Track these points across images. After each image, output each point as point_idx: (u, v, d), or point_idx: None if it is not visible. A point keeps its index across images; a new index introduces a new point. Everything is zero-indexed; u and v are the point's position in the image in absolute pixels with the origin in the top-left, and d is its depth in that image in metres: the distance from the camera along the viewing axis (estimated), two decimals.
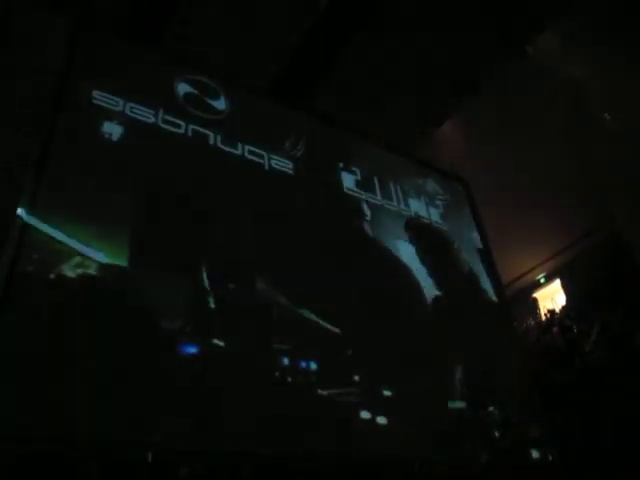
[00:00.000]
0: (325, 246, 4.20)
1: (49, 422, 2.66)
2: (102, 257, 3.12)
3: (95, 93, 3.81)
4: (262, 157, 4.37)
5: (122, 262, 3.18)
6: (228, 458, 3.01)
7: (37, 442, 2.66)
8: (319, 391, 3.43)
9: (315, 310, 3.68)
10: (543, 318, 8.30)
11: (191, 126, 4.11)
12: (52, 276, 2.99)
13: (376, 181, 5.05)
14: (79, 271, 3.04)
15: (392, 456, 3.58)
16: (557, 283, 8.72)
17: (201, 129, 4.17)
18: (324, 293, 3.82)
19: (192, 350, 3.11)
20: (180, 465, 3.58)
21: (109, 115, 3.78)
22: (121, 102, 3.89)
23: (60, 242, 3.05)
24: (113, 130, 3.72)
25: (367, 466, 3.59)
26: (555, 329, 7.56)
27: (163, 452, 2.90)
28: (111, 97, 3.87)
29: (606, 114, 7.53)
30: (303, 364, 3.43)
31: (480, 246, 5.70)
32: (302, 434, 3.24)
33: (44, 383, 2.76)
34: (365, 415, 3.56)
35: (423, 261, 4.87)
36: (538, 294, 8.96)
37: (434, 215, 5.41)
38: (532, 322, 8.35)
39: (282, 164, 4.46)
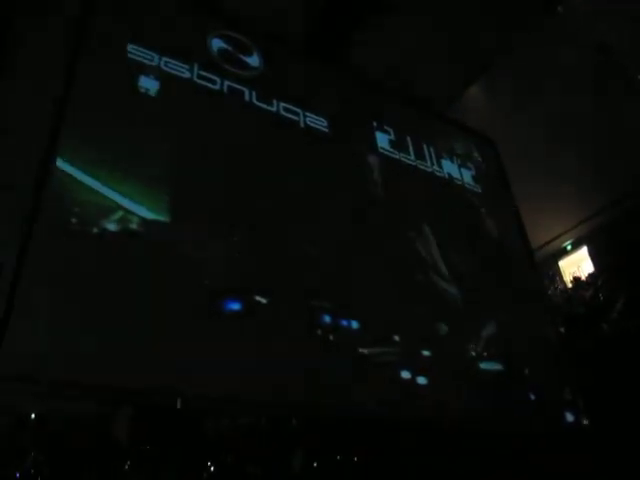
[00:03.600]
0: (360, 205, 4.15)
1: (94, 372, 2.69)
2: (144, 211, 3.09)
3: (130, 47, 3.74)
4: (297, 114, 4.29)
5: (164, 217, 3.15)
6: (274, 411, 3.02)
7: (83, 392, 2.69)
8: (360, 350, 3.42)
9: (353, 270, 3.65)
10: (569, 285, 8.22)
11: (226, 82, 4.03)
12: (95, 230, 2.97)
13: (409, 141, 4.96)
14: (121, 226, 3.01)
15: (430, 416, 3.59)
16: (584, 250, 8.60)
17: (236, 85, 4.09)
18: (362, 252, 3.79)
19: (235, 307, 3.09)
20: (225, 417, 3.61)
21: (144, 69, 3.71)
22: (156, 57, 3.81)
23: (102, 196, 3.02)
24: (149, 84, 3.65)
25: (405, 424, 3.61)
26: (580, 296, 7.50)
27: (212, 405, 2.94)
28: (146, 51, 3.79)
29: None
30: (344, 322, 3.41)
31: (510, 210, 5.62)
32: (342, 392, 3.24)
33: (90, 337, 2.78)
34: (405, 374, 3.55)
35: (454, 223, 4.81)
36: (564, 261, 8.85)
37: (466, 177, 5.32)
38: (558, 289, 8.27)
39: (317, 122, 4.38)
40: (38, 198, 2.88)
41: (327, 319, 3.35)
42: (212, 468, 7.61)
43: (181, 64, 3.90)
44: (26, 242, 2.77)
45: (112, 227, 2.98)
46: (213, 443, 6.88)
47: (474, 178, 5.36)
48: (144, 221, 3.07)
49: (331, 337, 3.32)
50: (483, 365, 4.09)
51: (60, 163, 2.98)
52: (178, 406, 2.92)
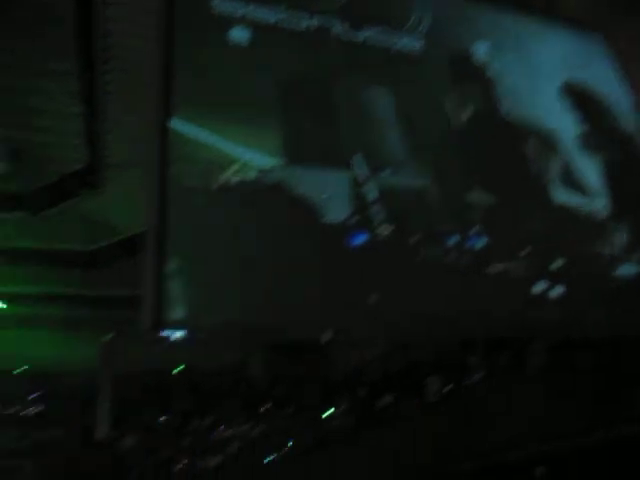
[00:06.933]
0: (467, 122, 4.00)
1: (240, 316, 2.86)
2: (260, 159, 3.15)
3: (215, 2, 3.74)
4: (388, 40, 4.14)
5: (280, 162, 3.20)
6: (415, 339, 3.07)
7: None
8: (488, 268, 3.37)
9: (475, 188, 3.56)
10: None
11: (314, 18, 3.95)
12: (216, 186, 3.08)
13: (510, 47, 4.66)
14: (240, 176, 3.10)
15: (561, 324, 3.51)
16: None
17: (323, 20, 3.99)
18: (480, 169, 3.68)
19: (360, 240, 3.13)
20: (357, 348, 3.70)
21: (233, 20, 3.71)
22: (242, 6, 3.79)
23: (219, 151, 3.11)
24: (239, 34, 3.66)
25: (537, 334, 3.56)
26: None
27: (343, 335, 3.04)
28: (231, 2, 3.78)
29: None
30: (470, 243, 3.36)
31: (627, 105, 5.20)
32: (474, 311, 3.23)
33: (229, 283, 2.94)
34: (536, 288, 3.47)
35: (575, 122, 4.52)
36: None
37: (577, 72, 4.93)
38: None
39: (408, 44, 4.21)
40: (162, 164, 3.02)
41: (452, 241, 3.31)
42: (347, 402, 7.91)
43: (267, 9, 3.86)
44: (162, 208, 2.95)
45: (233, 179, 3.07)
46: (349, 377, 7.13)
47: (585, 73, 4.97)
48: (262, 168, 3.13)
49: (462, 258, 3.29)
50: (619, 270, 3.91)
51: (175, 124, 3.08)
52: (324, 340, 3.04)
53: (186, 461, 9.25)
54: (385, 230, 3.19)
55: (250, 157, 3.13)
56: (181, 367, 9.80)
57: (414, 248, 3.24)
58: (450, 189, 3.60)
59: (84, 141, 8.72)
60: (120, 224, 9.71)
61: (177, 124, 3.08)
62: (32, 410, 10.20)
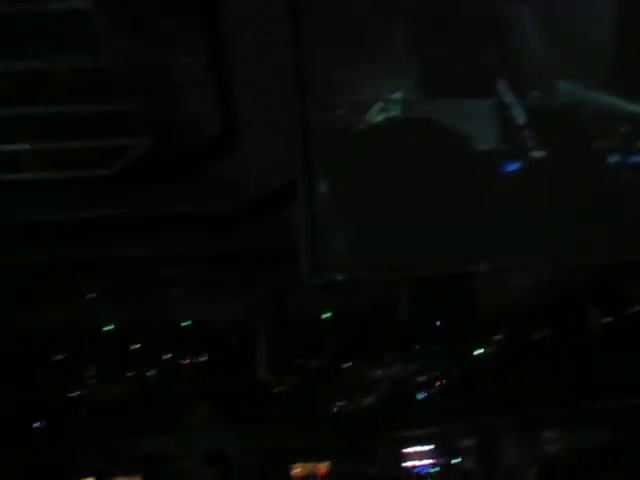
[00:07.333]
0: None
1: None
2: (402, 95, 3.14)
3: None
4: None
5: (422, 96, 3.17)
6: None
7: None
8: None
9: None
10: None
11: None
12: (361, 127, 3.12)
13: None
14: (385, 115, 3.12)
15: None
16: None
17: None
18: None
19: (513, 167, 3.04)
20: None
21: None
22: None
23: (359, 91, 3.14)
24: None
25: None
26: None
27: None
28: None
29: None
30: (634, 159, 3.13)
31: None
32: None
33: (381, 223, 3.01)
34: None
35: None
36: None
37: None
38: None
39: None
40: (303, 106, 3.11)
41: (614, 159, 3.11)
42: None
43: None
44: (306, 153, 3.06)
45: (378, 118, 3.10)
46: (500, 312, 7.03)
47: None
48: (405, 104, 3.12)
49: (624, 177, 3.09)
50: None
51: (315, 68, 3.14)
52: (482, 269, 3.05)
53: (341, 402, 9.76)
54: (538, 154, 3.07)
55: (392, 94, 3.12)
56: (330, 312, 10.19)
57: (570, 170, 3.10)
58: (605, 103, 3.35)
59: (218, 107, 9.18)
60: (259, 183, 10.17)
61: (317, 69, 3.14)
62: (198, 360, 11.24)
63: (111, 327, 12.69)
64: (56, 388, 11.35)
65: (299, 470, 10.61)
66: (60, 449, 10.01)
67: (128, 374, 11.46)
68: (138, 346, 12.33)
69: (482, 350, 8.71)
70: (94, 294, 10.31)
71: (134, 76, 7.78)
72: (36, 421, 10.61)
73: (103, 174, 9.84)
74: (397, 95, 3.12)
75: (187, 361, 11.08)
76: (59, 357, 12.51)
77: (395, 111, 3.12)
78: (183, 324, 11.21)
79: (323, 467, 10.68)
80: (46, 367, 12.17)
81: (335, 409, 9.68)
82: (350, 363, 9.59)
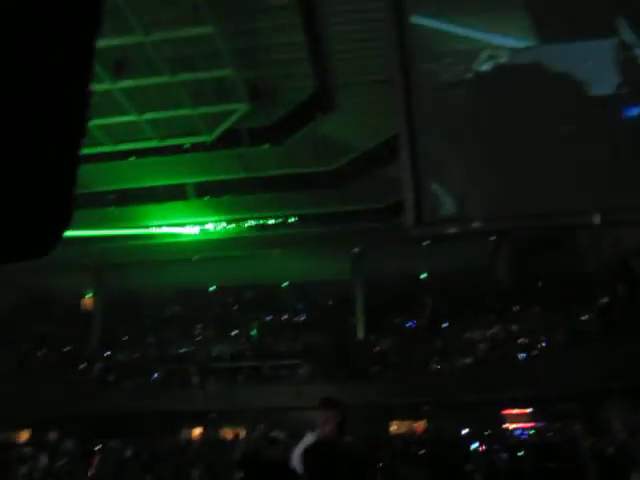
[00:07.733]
0: None
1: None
2: (511, 41, 3.01)
3: None
4: None
5: (532, 41, 3.02)
6: None
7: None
8: None
9: None
10: None
11: None
12: (469, 75, 3.03)
13: None
14: (492, 63, 3.00)
15: None
16: None
17: None
18: None
19: (635, 111, 2.85)
20: None
21: None
22: None
23: (467, 39, 3.04)
24: None
25: None
26: None
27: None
28: None
29: None
30: None
31: None
32: None
33: (487, 177, 2.94)
34: None
35: None
36: None
37: None
38: None
39: None
40: (402, 60, 3.06)
41: None
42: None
43: None
44: (410, 108, 3.02)
45: (484, 67, 2.99)
46: (605, 272, 6.71)
47: None
48: (513, 50, 3.00)
49: None
50: None
51: (415, 19, 3.08)
52: (595, 222, 2.92)
53: (437, 363, 9.73)
54: None
55: (500, 41, 3.00)
56: (427, 272, 10.13)
57: None
58: None
59: (313, 68, 9.21)
60: (356, 142, 10.17)
61: (418, 20, 3.07)
62: (299, 318, 11.54)
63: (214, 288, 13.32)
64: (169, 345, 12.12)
65: (397, 427, 10.78)
66: (173, 399, 10.77)
67: (232, 333, 12.07)
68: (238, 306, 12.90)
69: (586, 314, 8.33)
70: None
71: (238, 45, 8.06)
72: (154, 373, 11.49)
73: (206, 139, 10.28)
74: (506, 41, 3.00)
75: (286, 319, 11.46)
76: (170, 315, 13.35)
77: (505, 57, 3.00)
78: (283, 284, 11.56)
79: (420, 425, 10.78)
80: (161, 324, 13.00)
81: (433, 369, 9.67)
82: (448, 323, 9.50)
